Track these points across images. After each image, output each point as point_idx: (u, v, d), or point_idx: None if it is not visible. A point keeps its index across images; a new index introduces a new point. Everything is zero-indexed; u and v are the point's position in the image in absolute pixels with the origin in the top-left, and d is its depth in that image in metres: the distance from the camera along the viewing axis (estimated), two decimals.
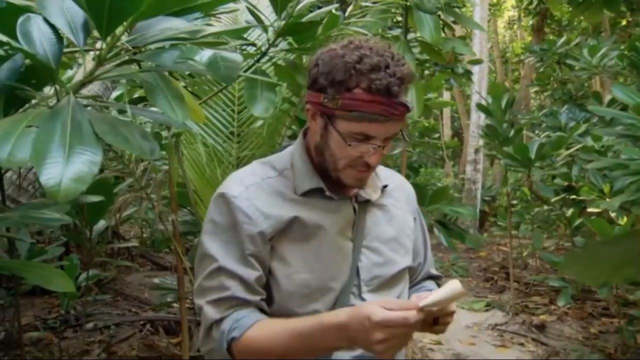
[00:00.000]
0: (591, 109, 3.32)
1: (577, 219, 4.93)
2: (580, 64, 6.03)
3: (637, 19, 7.42)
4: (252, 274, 1.20)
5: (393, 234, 1.34)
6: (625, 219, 4.11)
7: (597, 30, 7.80)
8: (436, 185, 8.82)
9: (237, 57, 1.39)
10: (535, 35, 8.94)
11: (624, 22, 7.47)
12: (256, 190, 1.24)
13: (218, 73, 1.34)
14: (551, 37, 8.16)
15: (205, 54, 1.36)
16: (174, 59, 1.18)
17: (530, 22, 7.97)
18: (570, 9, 4.61)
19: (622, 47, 6.34)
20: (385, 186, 1.37)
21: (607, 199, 4.10)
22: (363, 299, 1.26)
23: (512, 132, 4.42)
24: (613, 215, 4.24)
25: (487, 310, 4.72)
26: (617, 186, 3.98)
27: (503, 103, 4.35)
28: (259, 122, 2.39)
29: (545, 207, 5.25)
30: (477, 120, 7.64)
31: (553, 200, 4.76)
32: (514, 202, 9.74)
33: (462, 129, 11.18)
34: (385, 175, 1.41)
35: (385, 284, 1.30)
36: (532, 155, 4.06)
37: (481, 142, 7.82)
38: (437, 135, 11.45)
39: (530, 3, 8.41)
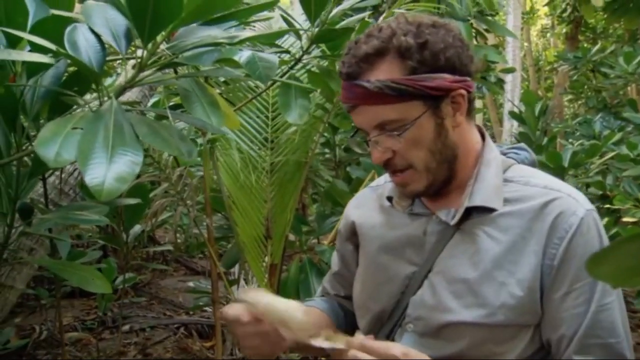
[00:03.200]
0: (628, 116, 3.28)
1: (612, 228, 4.85)
2: (615, 72, 5.96)
3: None
4: (333, 268, 1.33)
5: (470, 274, 1.03)
6: None
7: (632, 38, 7.70)
8: None
9: (273, 58, 1.44)
10: (568, 43, 8.84)
11: None
12: (364, 194, 1.30)
13: (256, 73, 1.38)
14: (585, 45, 8.07)
15: (244, 54, 1.41)
16: (213, 59, 1.23)
17: (564, 30, 7.90)
18: (606, 15, 4.57)
19: None
20: (476, 209, 1.05)
21: None
22: (401, 336, 1.10)
23: (545, 140, 4.38)
24: None
25: None
26: None
27: (536, 111, 4.33)
28: (293, 128, 2.44)
29: None
30: (510, 128, 7.59)
31: None
32: None
33: (494, 137, 11.12)
34: (518, 189, 1.06)
35: (433, 333, 1.06)
36: (565, 164, 4.02)
37: None
38: None
39: (564, 11, 8.32)
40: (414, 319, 1.08)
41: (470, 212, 1.06)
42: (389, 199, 1.18)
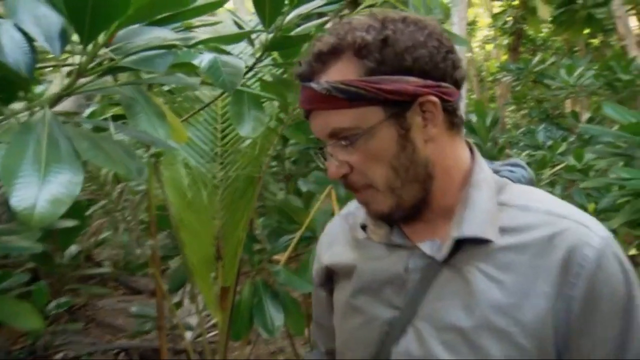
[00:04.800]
0: (583, 128, 3.26)
1: None
2: (557, 83, 6.05)
3: (609, 39, 7.52)
4: (314, 318, 1.19)
5: (464, 321, 0.86)
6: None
7: (571, 50, 7.89)
8: None
9: (239, 62, 1.27)
10: (510, 54, 9.00)
11: (596, 42, 7.57)
12: (334, 227, 1.13)
13: (219, 79, 1.22)
14: (526, 56, 8.21)
15: (205, 58, 1.24)
16: (167, 64, 1.06)
17: (506, 42, 8.03)
18: (551, 27, 4.62)
19: (596, 67, 6.39)
20: (468, 240, 0.88)
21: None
22: None
23: (495, 151, 4.36)
24: None
25: None
26: (601, 205, 3.95)
27: (487, 121, 4.30)
28: (247, 142, 2.27)
29: None
30: None
31: None
32: None
33: None
34: (517, 216, 0.89)
35: None
36: None
37: None
38: None
39: (505, 23, 8.47)
40: None
41: (461, 245, 0.90)
42: (363, 227, 1.01)
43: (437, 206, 0.93)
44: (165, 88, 2.34)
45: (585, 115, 6.14)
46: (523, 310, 0.84)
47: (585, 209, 4.13)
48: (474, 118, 4.43)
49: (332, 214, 2.57)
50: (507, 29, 8.37)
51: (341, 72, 0.88)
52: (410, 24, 0.90)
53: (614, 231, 4.07)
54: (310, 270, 2.49)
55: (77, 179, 0.95)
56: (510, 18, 7.50)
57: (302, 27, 2.07)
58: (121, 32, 1.21)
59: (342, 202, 2.65)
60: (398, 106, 0.87)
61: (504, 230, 0.89)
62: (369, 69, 0.87)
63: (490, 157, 4.50)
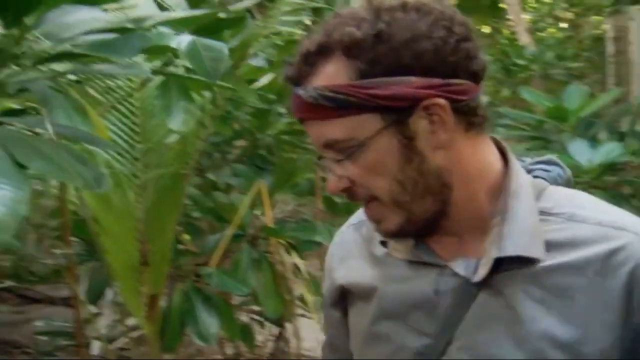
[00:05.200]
0: (503, 111, 3.31)
1: None
2: None
3: (500, 27, 7.83)
4: (326, 337, 1.05)
5: (514, 353, 0.75)
6: None
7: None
8: None
9: (221, 46, 1.11)
10: None
11: (488, 30, 7.87)
12: (346, 239, 0.97)
13: (201, 66, 1.05)
14: None
15: (183, 40, 1.06)
16: (137, 47, 0.88)
17: None
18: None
19: (491, 52, 6.62)
20: (509, 259, 0.76)
21: None
22: None
23: None
24: None
25: None
26: None
27: None
28: (173, 136, 2.08)
29: None
30: None
31: None
32: None
33: None
34: (563, 228, 0.77)
35: None
36: None
37: None
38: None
39: None
40: None
41: (500, 264, 0.77)
42: (383, 243, 0.87)
43: (463, 218, 0.81)
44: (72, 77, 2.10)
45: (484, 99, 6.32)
46: (585, 345, 0.73)
47: None
48: None
49: (263, 211, 2.45)
50: None
51: (330, 76, 0.76)
52: (410, 11, 0.76)
53: None
54: (243, 270, 2.35)
55: (21, 196, 0.77)
56: None
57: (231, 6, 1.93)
58: (50, 13, 1.02)
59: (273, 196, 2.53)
60: (398, 112, 0.75)
61: (550, 246, 0.76)
62: (361, 71, 0.75)
63: None
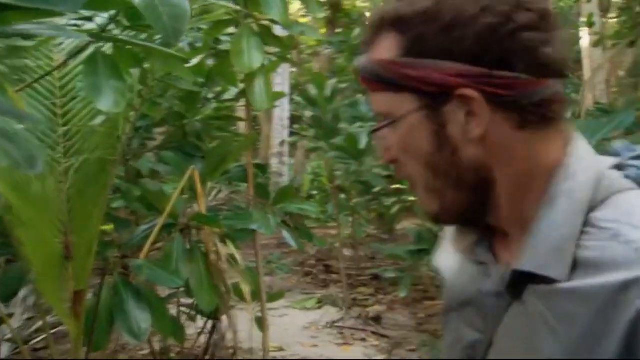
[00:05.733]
0: None
1: (395, 208, 5.06)
2: None
3: None
4: None
5: None
6: None
7: None
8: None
9: (182, 2, 0.99)
10: (328, 27, 9.12)
11: None
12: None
13: (159, 23, 0.93)
14: (341, 30, 8.41)
15: None
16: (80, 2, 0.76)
17: (323, 15, 8.12)
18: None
19: None
20: (529, 274, 0.70)
21: None
22: None
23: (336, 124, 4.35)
24: None
25: (319, 308, 4.62)
26: None
27: (328, 92, 4.26)
28: (98, 119, 1.93)
29: (365, 197, 5.29)
30: (281, 112, 7.56)
31: (375, 190, 4.80)
32: (314, 192, 9.88)
33: (256, 122, 11.16)
34: (600, 247, 0.67)
35: None
36: (363, 146, 4.02)
37: (286, 134, 7.76)
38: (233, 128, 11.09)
39: None
40: None
41: (524, 276, 0.71)
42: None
43: (511, 220, 0.76)
44: None
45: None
46: None
47: None
48: (312, 90, 4.37)
49: (196, 198, 2.33)
50: (325, 1, 8.47)
51: (380, 50, 0.75)
52: None
53: None
54: (174, 261, 2.23)
55: None
56: None
57: None
58: None
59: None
60: (433, 97, 0.72)
61: (579, 264, 0.68)
62: (405, 49, 0.72)
63: (332, 130, 4.48)
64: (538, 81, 0.70)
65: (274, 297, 3.17)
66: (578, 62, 8.48)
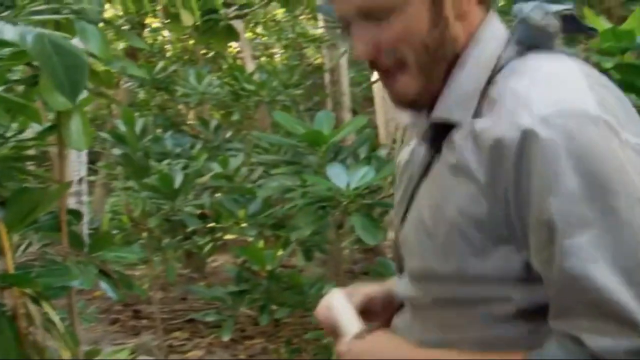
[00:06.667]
0: (256, 135, 3.27)
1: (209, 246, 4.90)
2: (186, 90, 6.07)
3: (223, 51, 7.93)
4: None
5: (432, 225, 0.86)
6: (261, 242, 4.24)
7: (190, 59, 8.05)
8: None
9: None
10: (128, 59, 8.65)
11: (211, 54, 7.92)
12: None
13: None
14: (143, 63, 8.07)
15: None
16: None
17: (122, 46, 7.75)
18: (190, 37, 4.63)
19: (218, 76, 6.67)
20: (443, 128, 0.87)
21: (244, 224, 4.14)
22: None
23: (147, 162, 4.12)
24: (251, 240, 4.34)
25: (133, 359, 4.27)
26: (251, 210, 4.09)
27: (137, 130, 4.03)
28: None
29: (177, 237, 5.06)
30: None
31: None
32: (115, 231, 9.28)
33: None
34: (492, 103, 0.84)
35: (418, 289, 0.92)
36: (177, 185, 3.85)
37: (83, 171, 7.19)
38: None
39: (120, 27, 8.08)
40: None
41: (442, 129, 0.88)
42: None
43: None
44: None
45: (213, 122, 6.30)
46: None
47: (236, 216, 4.21)
48: (122, 126, 4.10)
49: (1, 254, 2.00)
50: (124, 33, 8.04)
51: None
52: None
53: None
54: None
55: None
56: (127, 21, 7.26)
57: None
58: None
59: None
60: None
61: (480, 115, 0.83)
62: None
63: (143, 168, 4.23)
64: None
65: (90, 354, 2.87)
66: None
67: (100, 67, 2.50)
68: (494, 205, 0.77)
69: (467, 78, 0.85)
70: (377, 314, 1.05)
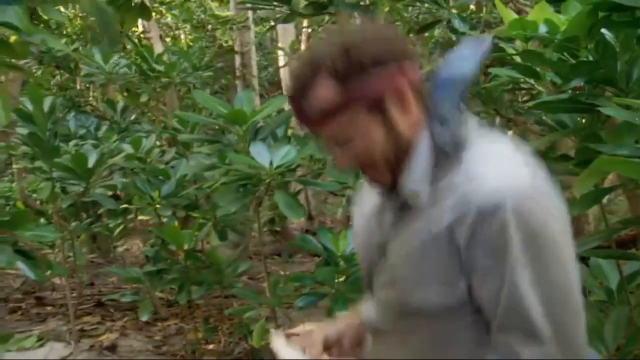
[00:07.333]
0: (179, 114, 3.25)
1: (120, 228, 4.80)
2: (92, 70, 5.87)
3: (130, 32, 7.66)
4: None
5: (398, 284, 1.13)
6: (176, 223, 4.22)
7: (94, 39, 7.71)
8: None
9: None
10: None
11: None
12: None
13: None
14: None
15: None
16: None
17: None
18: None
19: (127, 55, 6.50)
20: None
21: (158, 205, 4.09)
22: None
23: (57, 142, 3.98)
24: (164, 220, 4.29)
25: (42, 345, 4.13)
26: (165, 192, 4.05)
27: (46, 108, 3.87)
28: None
29: (87, 219, 4.92)
30: None
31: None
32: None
33: None
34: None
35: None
36: (91, 166, 3.76)
37: None
38: None
39: None
40: None
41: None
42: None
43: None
44: None
45: (120, 104, 6.13)
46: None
47: (150, 197, 4.17)
48: (28, 104, 3.93)
49: None
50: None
51: (320, 89, 1.05)
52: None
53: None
54: None
55: None
56: None
57: None
58: None
59: None
60: (375, 101, 1.05)
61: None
62: (341, 77, 1.04)
63: (53, 148, 4.07)
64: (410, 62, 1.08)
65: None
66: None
67: (14, 37, 2.42)
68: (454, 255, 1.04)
69: (422, 159, 1.07)
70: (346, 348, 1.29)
